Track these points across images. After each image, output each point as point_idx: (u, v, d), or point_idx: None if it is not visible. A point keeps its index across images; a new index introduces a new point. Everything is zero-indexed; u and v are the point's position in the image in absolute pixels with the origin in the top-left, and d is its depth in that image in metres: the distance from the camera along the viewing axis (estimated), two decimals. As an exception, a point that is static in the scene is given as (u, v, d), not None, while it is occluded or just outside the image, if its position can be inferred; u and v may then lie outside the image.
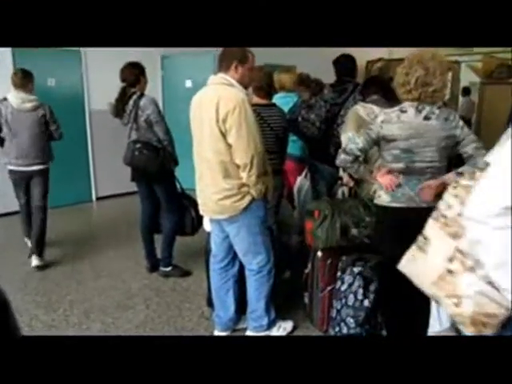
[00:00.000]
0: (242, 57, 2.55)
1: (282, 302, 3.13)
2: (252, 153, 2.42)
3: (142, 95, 3.53)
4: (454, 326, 2.58)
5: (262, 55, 5.05)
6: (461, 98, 9.16)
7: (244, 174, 2.47)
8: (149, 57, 5.99)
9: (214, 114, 2.40)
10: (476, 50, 10.97)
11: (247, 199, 2.53)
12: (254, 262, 2.69)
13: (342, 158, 2.42)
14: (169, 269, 3.85)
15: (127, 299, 3.47)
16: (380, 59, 3.83)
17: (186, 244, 4.31)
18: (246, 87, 2.57)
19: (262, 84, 3.11)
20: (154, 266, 3.92)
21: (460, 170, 2.24)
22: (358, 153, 2.37)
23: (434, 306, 2.56)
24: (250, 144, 2.42)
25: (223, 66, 2.55)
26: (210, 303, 3.13)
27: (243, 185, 2.50)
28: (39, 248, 4.06)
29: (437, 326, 2.55)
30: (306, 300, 3.00)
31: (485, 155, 2.21)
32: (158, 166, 3.46)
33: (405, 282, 2.47)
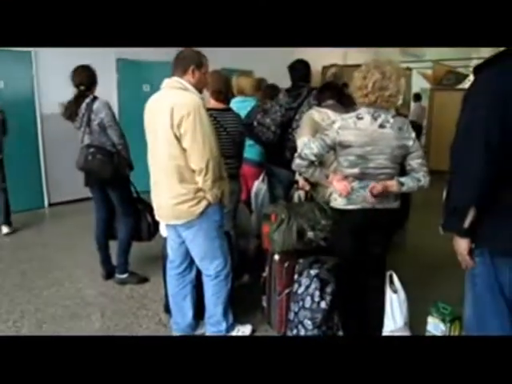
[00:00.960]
0: (199, 61, 2.55)
1: (240, 307, 3.13)
2: (207, 157, 2.41)
3: (95, 98, 3.45)
4: (407, 324, 2.66)
5: (219, 59, 5.04)
6: (412, 104, 9.47)
7: (199, 179, 2.45)
8: (103, 59, 5.87)
9: (169, 119, 2.37)
10: (426, 57, 11.44)
11: (203, 204, 2.51)
12: (211, 267, 2.68)
13: (297, 162, 2.45)
14: (125, 276, 3.77)
15: (81, 308, 3.37)
16: (334, 65, 3.91)
17: (143, 250, 4.23)
18: (200, 91, 2.56)
19: (219, 88, 3.11)
20: (109, 273, 3.83)
21: (402, 179, 2.33)
22: (313, 158, 2.41)
23: (388, 305, 2.63)
24: (206, 148, 2.41)
25: (179, 69, 2.53)
26: (167, 309, 3.09)
27: (199, 189, 2.49)
28: (7, 217, 5.09)
29: (391, 325, 2.62)
30: (264, 303, 3.02)
31: (426, 172, 2.34)
32: (111, 171, 3.39)
33: (360, 283, 2.55)
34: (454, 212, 1.81)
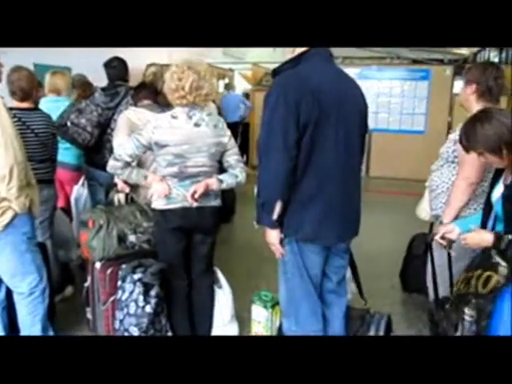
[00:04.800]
0: None
1: (64, 322, 2.92)
2: (11, 163, 2.16)
3: None
4: (233, 316, 2.78)
5: (31, 54, 4.58)
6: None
7: (2, 187, 2.18)
8: None
9: (-42, 120, 2.07)
10: (247, 59, 12.11)
11: (9, 215, 2.25)
12: (24, 285, 2.42)
13: (111, 164, 2.36)
14: None
15: None
16: (153, 64, 3.85)
17: None
18: None
19: (23, 86, 2.82)
20: None
21: (221, 176, 2.42)
22: (128, 159, 2.34)
23: (216, 301, 2.70)
24: (8, 153, 2.15)
25: None
26: (-29, 339, 2.71)
27: (3, 199, 2.22)
28: None
29: (219, 319, 2.70)
30: (89, 315, 2.85)
31: (242, 168, 2.47)
32: None
33: (186, 284, 2.57)
34: (263, 207, 1.93)
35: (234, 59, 12.03)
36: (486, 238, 1.86)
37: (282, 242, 2.02)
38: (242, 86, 12.01)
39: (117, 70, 3.48)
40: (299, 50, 1.97)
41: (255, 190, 2.02)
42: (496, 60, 13.89)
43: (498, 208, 1.96)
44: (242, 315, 2.95)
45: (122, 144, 2.40)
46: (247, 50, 12.61)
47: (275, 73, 2.00)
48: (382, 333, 2.40)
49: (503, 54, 13.91)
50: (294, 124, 1.83)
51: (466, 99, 2.42)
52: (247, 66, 10.70)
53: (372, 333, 2.41)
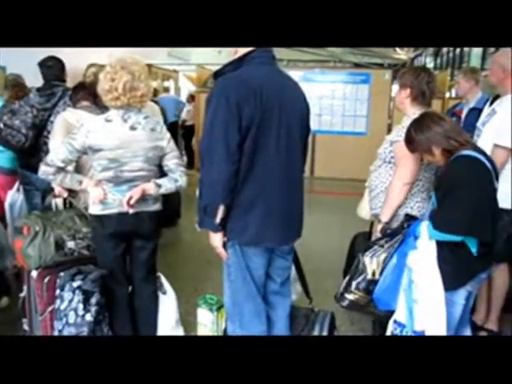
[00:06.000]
0: None
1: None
2: None
3: None
4: (178, 322, 2.74)
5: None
6: (187, 105, 9.78)
7: None
8: None
9: None
10: (192, 61, 12.05)
11: None
12: (-48, 296, 2.28)
13: (42, 169, 2.25)
14: None
15: None
16: (93, 64, 3.73)
17: None
18: None
19: None
20: None
21: (158, 181, 2.35)
22: (60, 164, 2.23)
23: (160, 307, 2.65)
24: None
25: None
26: None
27: None
28: None
29: (163, 325, 2.66)
30: (26, 327, 2.72)
31: (183, 171, 2.42)
32: None
33: (127, 291, 2.51)
34: (205, 210, 1.92)
35: (178, 60, 11.95)
36: None
37: (225, 244, 2.01)
38: (186, 87, 11.95)
39: (53, 69, 3.33)
40: (242, 52, 1.97)
41: (197, 193, 2.00)
42: (431, 65, 14.60)
43: (433, 197, 2.15)
44: (187, 319, 2.92)
45: (55, 148, 2.29)
46: (192, 51, 12.53)
47: (217, 75, 1.99)
48: (325, 331, 2.46)
49: (438, 60, 14.62)
50: (235, 127, 1.82)
51: (401, 102, 2.52)
52: (192, 67, 10.64)
53: (316, 332, 2.45)
